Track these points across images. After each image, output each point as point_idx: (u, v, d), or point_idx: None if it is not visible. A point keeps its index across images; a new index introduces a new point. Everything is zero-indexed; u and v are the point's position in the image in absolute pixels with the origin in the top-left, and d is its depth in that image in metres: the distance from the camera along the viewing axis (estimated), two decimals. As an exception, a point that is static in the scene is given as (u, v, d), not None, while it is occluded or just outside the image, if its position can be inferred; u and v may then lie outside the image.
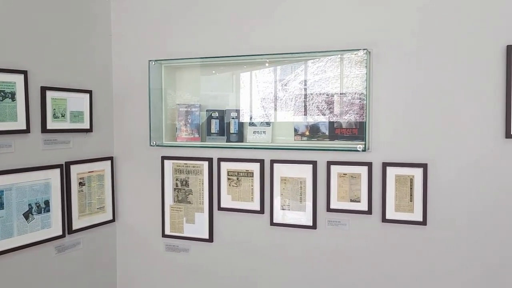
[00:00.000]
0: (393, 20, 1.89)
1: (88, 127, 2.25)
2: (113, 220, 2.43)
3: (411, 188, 1.92)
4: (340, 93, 2.01)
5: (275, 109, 2.14)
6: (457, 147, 1.83)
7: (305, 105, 2.07)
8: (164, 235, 2.36)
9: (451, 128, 1.84)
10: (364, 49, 1.91)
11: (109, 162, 2.40)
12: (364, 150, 1.92)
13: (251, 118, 2.17)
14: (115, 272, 2.49)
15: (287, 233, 2.12)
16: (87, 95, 2.24)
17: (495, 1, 1.76)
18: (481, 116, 1.80)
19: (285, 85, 2.12)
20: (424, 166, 1.89)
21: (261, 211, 2.15)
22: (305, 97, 2.08)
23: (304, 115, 2.07)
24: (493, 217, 1.81)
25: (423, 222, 1.90)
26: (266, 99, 2.16)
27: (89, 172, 2.27)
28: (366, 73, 1.91)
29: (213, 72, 2.27)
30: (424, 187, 1.88)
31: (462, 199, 1.84)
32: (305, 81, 2.08)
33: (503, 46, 1.77)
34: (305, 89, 2.09)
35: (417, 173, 1.90)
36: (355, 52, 1.94)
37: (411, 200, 1.92)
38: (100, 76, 2.35)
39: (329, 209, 2.03)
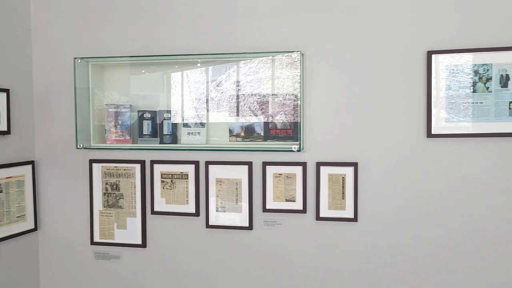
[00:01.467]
0: (324, 23, 1.95)
1: (5, 129, 2.06)
2: (35, 229, 2.25)
3: (343, 187, 1.98)
4: (272, 94, 2.03)
5: (207, 110, 2.11)
6: (384, 146, 1.93)
7: (237, 106, 2.06)
8: (93, 243, 2.23)
9: (379, 129, 1.92)
10: (298, 51, 1.94)
11: (29, 166, 2.21)
12: (299, 150, 1.95)
13: (183, 119, 2.11)
14: (38, 285, 2.31)
15: (223, 235, 2.10)
16: (4, 94, 2.05)
17: (417, 10, 1.87)
18: (405, 117, 1.90)
19: (218, 85, 2.09)
20: (354, 165, 1.96)
21: (197, 213, 2.11)
22: (238, 98, 2.07)
23: (237, 115, 2.06)
24: (416, 211, 1.92)
25: (354, 219, 1.97)
26: (198, 99, 2.12)
27: (6, 178, 2.08)
28: (300, 75, 1.94)
29: (143, 71, 2.18)
30: (355, 185, 1.96)
31: (389, 195, 1.93)
32: (238, 81, 2.07)
33: (424, 51, 1.88)
34: (238, 90, 2.07)
35: (349, 171, 1.97)
36: (287, 54, 1.96)
37: (343, 198, 1.98)
38: (19, 74, 2.17)
39: (265, 210, 2.04)
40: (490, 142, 1.85)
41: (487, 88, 1.86)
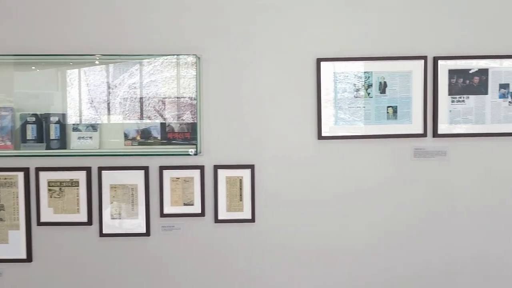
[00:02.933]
0: (221, 28, 1.97)
1: None
2: None
3: (240, 189, 2.01)
4: (170, 97, 2.00)
5: (99, 112, 2.00)
6: (278, 148, 2.00)
7: (136, 108, 2.00)
8: (-33, 261, 1.99)
9: (274, 132, 1.99)
10: (193, 54, 1.93)
11: None
12: (196, 154, 1.94)
13: (80, 121, 1.98)
14: None
15: (119, 243, 2.01)
16: None
17: (307, 19, 1.97)
18: (298, 120, 2.00)
19: (116, 86, 2.00)
20: (251, 167, 2.00)
21: (89, 222, 1.99)
22: (135, 101, 2.00)
23: (132, 119, 1.99)
24: (310, 210, 2.02)
25: (252, 220, 2.01)
26: (94, 100, 2.00)
27: None
28: (196, 78, 1.94)
29: (33, 68, 2.00)
30: (252, 187, 2.00)
31: (284, 195, 2.01)
32: (136, 83, 2.01)
33: (314, 58, 1.99)
34: (135, 92, 2.01)
35: (246, 174, 2.01)
36: (181, 57, 1.94)
37: (241, 199, 2.01)
38: None
39: (162, 215, 1.99)
40: (372, 143, 2.02)
41: (369, 94, 2.02)
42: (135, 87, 2.01)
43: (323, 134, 2.01)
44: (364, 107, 2.02)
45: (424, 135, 2.02)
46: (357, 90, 2.01)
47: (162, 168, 1.98)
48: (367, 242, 2.04)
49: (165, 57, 1.95)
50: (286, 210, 2.02)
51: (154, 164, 1.99)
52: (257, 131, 1.99)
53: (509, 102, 2.02)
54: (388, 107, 2.02)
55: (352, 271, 2.05)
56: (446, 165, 2.03)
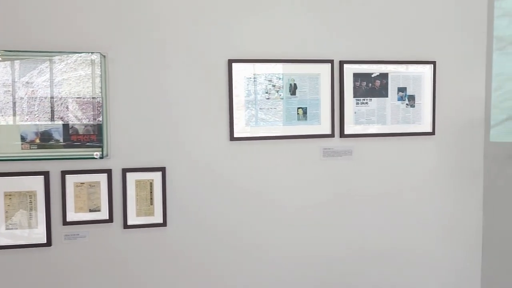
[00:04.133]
0: (131, 26, 1.89)
1: None
2: None
3: (151, 192, 1.95)
4: (74, 97, 1.88)
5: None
6: (190, 150, 1.97)
7: (41, 109, 1.85)
8: None
9: (186, 133, 1.96)
10: (97, 53, 1.83)
11: None
12: (102, 157, 1.84)
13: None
14: None
15: (14, 256, 1.85)
16: None
17: (219, 20, 1.96)
18: (210, 121, 1.98)
19: (23, 85, 1.84)
20: (162, 170, 1.95)
21: (-21, 234, 1.81)
22: (38, 100, 1.85)
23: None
24: (223, 211, 2.01)
25: (164, 224, 1.96)
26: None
27: None
28: (101, 77, 1.84)
29: None
30: (163, 190, 1.95)
31: (197, 197, 1.99)
32: (32, 82, 1.86)
33: (225, 59, 1.99)
34: (32, 92, 1.86)
35: (156, 177, 1.95)
36: (85, 55, 1.84)
37: (152, 203, 1.95)
38: None
39: (65, 223, 1.87)
40: (284, 144, 2.06)
41: (280, 95, 2.06)
42: (32, 86, 1.86)
43: (235, 135, 2.01)
44: (275, 108, 2.06)
45: (332, 135, 2.10)
46: (269, 91, 2.04)
47: (64, 173, 1.86)
48: (280, 239, 2.08)
49: (79, 55, 1.83)
50: (199, 212, 1.99)
51: (55, 169, 1.86)
52: (168, 133, 1.94)
53: (406, 104, 2.17)
54: (298, 108, 2.08)
55: (264, 270, 2.07)
56: (352, 163, 2.13)
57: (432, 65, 2.17)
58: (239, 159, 2.02)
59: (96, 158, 1.84)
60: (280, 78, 2.05)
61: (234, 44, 1.99)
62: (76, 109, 1.87)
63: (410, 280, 2.24)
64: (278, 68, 2.05)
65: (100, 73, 1.85)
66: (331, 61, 2.08)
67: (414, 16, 2.15)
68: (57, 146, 1.87)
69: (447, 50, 2.19)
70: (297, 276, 2.12)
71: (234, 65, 2.00)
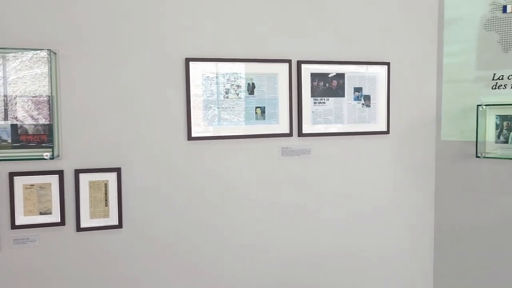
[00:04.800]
0: (83, 23, 1.83)
1: None
2: None
3: (106, 193, 1.90)
4: (28, 96, 1.80)
5: None
6: (147, 150, 1.93)
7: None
8: None
9: (142, 133, 1.92)
10: (47, 49, 1.77)
11: None
12: (52, 158, 1.78)
13: None
14: None
15: (-42, 262, 1.76)
16: None
17: (176, 18, 1.93)
18: (167, 121, 1.95)
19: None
20: (118, 170, 1.90)
21: None
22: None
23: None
24: (180, 211, 1.99)
25: (119, 225, 1.91)
26: None
27: None
28: (50, 75, 1.78)
29: None
30: (119, 191, 1.90)
31: (154, 198, 1.96)
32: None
33: (183, 58, 1.96)
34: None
35: (111, 177, 1.91)
36: (36, 52, 1.77)
37: (106, 205, 1.90)
38: None
39: (14, 226, 1.80)
40: (242, 143, 2.06)
41: (238, 94, 2.05)
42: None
43: (193, 135, 2.00)
44: (234, 107, 2.05)
45: (290, 134, 2.12)
46: (227, 91, 2.03)
47: (12, 175, 1.78)
48: (238, 239, 2.08)
49: (35, 52, 1.76)
50: (156, 213, 1.96)
51: (2, 170, 1.78)
52: (123, 133, 1.90)
53: (362, 104, 2.22)
54: (257, 107, 2.08)
55: (223, 270, 2.07)
56: (310, 162, 2.16)
57: (387, 66, 2.23)
58: (197, 159, 2.00)
59: (46, 159, 1.77)
60: (238, 78, 2.05)
61: (192, 43, 1.97)
62: (32, 109, 1.80)
63: (366, 274, 2.29)
64: (236, 67, 2.04)
65: (51, 70, 1.78)
66: (289, 61, 2.10)
67: (369, 19, 2.20)
68: (5, 146, 1.79)
69: (401, 51, 2.25)
70: (256, 275, 2.12)
71: (191, 63, 1.98)
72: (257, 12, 2.05)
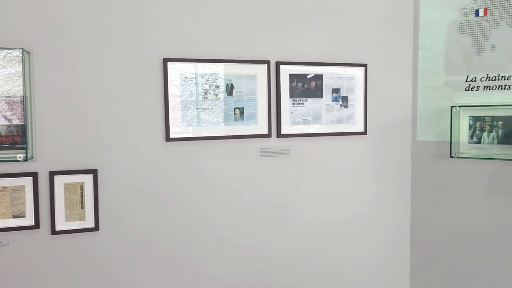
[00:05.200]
0: (58, 21, 1.80)
1: None
2: None
3: (81, 196, 1.87)
4: (1, 96, 1.76)
5: None
6: (124, 151, 1.91)
7: None
8: None
9: (119, 134, 1.90)
10: (20, 49, 1.72)
11: None
12: (26, 160, 1.74)
13: None
14: None
15: None
16: None
17: (154, 17, 1.92)
18: (145, 121, 1.93)
19: None
20: (94, 172, 1.87)
21: None
22: None
23: None
24: (159, 213, 1.97)
25: (96, 228, 1.88)
26: None
27: None
28: (24, 75, 1.74)
29: None
30: (95, 193, 1.87)
31: (132, 200, 1.93)
32: None
33: (160, 58, 1.94)
34: None
35: (87, 179, 1.88)
36: (9, 51, 1.72)
37: (82, 207, 1.87)
38: None
39: (-14, 230, 1.74)
40: (221, 144, 2.06)
41: (216, 95, 2.05)
42: None
43: (171, 136, 1.98)
44: (212, 108, 2.05)
45: (269, 135, 2.13)
46: (205, 91, 2.02)
47: (-17, 177, 1.73)
48: (216, 241, 2.07)
49: (8, 51, 1.71)
50: (134, 216, 1.94)
51: (-27, 172, 1.73)
52: (99, 134, 1.87)
53: (340, 105, 2.24)
54: (235, 108, 2.08)
55: (203, 271, 2.06)
56: (289, 163, 2.17)
57: (364, 67, 2.26)
58: (176, 160, 1.99)
59: (19, 161, 1.73)
60: (216, 78, 2.04)
61: (170, 43, 1.95)
62: (6, 109, 1.75)
63: (343, 273, 2.32)
64: (215, 68, 2.04)
65: (24, 70, 1.74)
66: (268, 62, 2.11)
67: (347, 21, 2.23)
68: (-25, 148, 1.74)
69: (378, 54, 2.29)
70: (236, 275, 2.12)
71: (169, 64, 1.97)
72: (236, 13, 2.05)
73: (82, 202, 1.87)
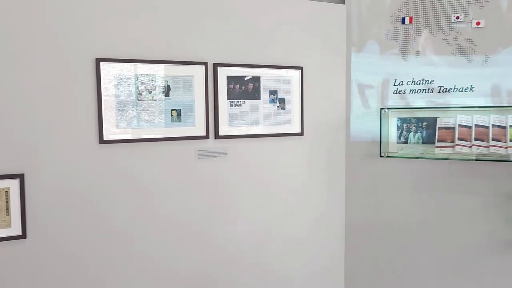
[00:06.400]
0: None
1: None
2: None
3: (7, 202, 1.77)
4: None
5: None
6: (54, 155, 1.83)
7: None
8: None
9: (48, 136, 1.82)
10: None
11: None
12: None
13: None
14: None
15: None
16: None
17: (86, 17, 1.85)
18: (76, 123, 1.86)
19: None
20: (20, 177, 1.79)
21: None
22: None
23: None
24: (92, 218, 1.92)
25: (23, 236, 1.80)
26: None
27: None
28: None
29: None
30: (22, 199, 1.79)
31: (63, 205, 1.86)
32: None
33: (93, 58, 1.88)
34: None
35: (13, 184, 1.78)
36: None
37: (8, 214, 1.78)
38: None
39: None
40: (158, 146, 2.03)
41: (153, 97, 2.02)
42: None
43: (105, 138, 1.93)
44: (149, 110, 2.02)
45: (206, 137, 2.13)
46: (141, 93, 1.99)
47: None
48: (155, 245, 2.06)
49: None
50: (64, 222, 1.87)
51: None
52: (26, 136, 1.79)
53: (277, 106, 2.29)
54: (172, 110, 2.07)
55: (136, 281, 2.03)
56: (227, 164, 2.19)
57: (300, 70, 2.32)
58: (110, 163, 1.94)
59: None
60: (153, 79, 2.02)
61: (103, 43, 1.90)
62: None
63: (279, 271, 2.38)
64: (150, 69, 2.01)
65: None
66: (205, 63, 2.11)
67: (282, 25, 2.28)
68: None
69: (313, 57, 2.36)
70: (173, 277, 2.11)
71: (102, 64, 1.91)
72: (172, 14, 2.03)
73: (7, 209, 1.78)
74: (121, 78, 1.95)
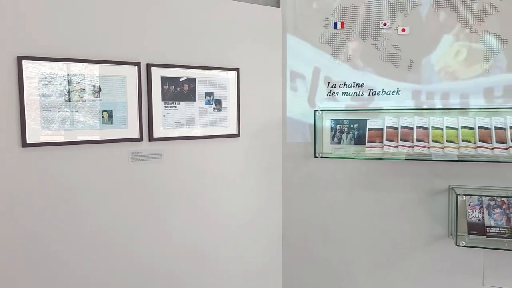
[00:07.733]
0: None
1: None
2: None
3: None
4: None
5: None
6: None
7: None
8: None
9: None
10: None
11: None
12: None
13: None
14: None
15: None
16: None
17: (7, 12, 1.73)
18: (-5, 125, 1.74)
19: None
20: None
21: None
22: None
23: None
24: (18, 227, 1.81)
25: None
26: None
27: None
28: None
29: None
30: None
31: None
32: None
33: (14, 56, 1.77)
34: None
35: None
36: None
37: None
38: None
39: None
40: (87, 149, 1.95)
41: (82, 97, 1.93)
42: None
43: (28, 141, 1.82)
44: (77, 111, 1.93)
45: (140, 139, 2.08)
46: (68, 93, 1.90)
47: None
48: (88, 251, 1.97)
49: None
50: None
51: None
52: None
53: (214, 108, 2.29)
54: (103, 111, 1.99)
55: (75, 281, 1.94)
56: (162, 166, 2.15)
57: (236, 72, 2.33)
58: (34, 167, 1.84)
59: None
60: (81, 79, 1.93)
61: (26, 40, 1.79)
62: None
63: (218, 272, 2.37)
64: (79, 68, 1.93)
65: None
66: (138, 64, 2.06)
67: (218, 26, 2.28)
68: None
69: (249, 59, 2.38)
70: (103, 285, 2.04)
71: (24, 62, 1.81)
72: (103, 11, 1.96)
73: None
74: (46, 78, 1.85)
